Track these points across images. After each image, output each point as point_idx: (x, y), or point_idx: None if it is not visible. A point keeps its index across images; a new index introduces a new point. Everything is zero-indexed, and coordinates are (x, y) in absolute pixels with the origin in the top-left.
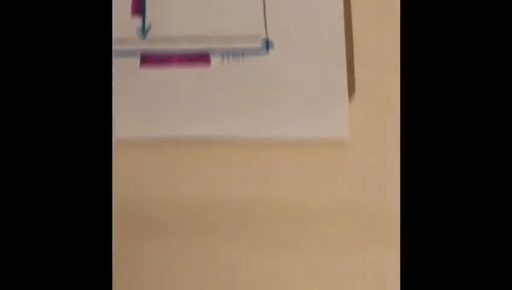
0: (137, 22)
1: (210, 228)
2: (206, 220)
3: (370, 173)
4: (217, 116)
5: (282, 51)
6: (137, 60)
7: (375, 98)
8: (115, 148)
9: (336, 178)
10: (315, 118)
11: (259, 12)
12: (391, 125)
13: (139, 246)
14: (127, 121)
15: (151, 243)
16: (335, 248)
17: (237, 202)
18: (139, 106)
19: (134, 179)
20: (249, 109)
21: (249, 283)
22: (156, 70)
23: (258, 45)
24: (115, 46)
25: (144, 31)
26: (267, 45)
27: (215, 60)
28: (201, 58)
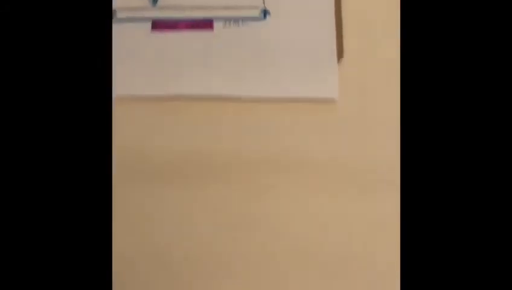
0: None
1: (207, 176)
2: (203, 169)
3: (360, 129)
4: (216, 76)
5: (277, 18)
6: (149, 25)
7: (366, 61)
8: (117, 105)
9: (328, 133)
10: (306, 78)
11: None
12: (381, 86)
13: (138, 193)
14: (133, 80)
15: (150, 190)
16: (326, 195)
17: (232, 154)
18: (147, 66)
19: (134, 131)
20: (246, 70)
21: (244, 225)
22: (164, 34)
23: (257, 14)
24: (129, 14)
25: (154, 0)
26: (265, 14)
27: (217, 25)
28: (205, 24)
